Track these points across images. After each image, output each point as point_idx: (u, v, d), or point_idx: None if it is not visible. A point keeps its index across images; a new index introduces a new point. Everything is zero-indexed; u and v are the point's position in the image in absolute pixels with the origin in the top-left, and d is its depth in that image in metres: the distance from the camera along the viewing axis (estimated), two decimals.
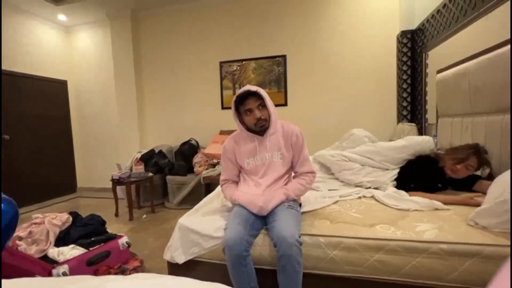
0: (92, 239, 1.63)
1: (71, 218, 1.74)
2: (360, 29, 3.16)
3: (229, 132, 3.22)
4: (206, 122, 3.73)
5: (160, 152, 3.48)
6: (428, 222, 1.11)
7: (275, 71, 3.48)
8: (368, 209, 1.33)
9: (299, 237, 1.05)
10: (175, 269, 1.25)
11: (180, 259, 1.23)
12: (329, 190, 1.68)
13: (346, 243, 1.05)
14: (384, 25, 3.08)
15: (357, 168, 1.76)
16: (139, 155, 3.45)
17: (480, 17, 1.82)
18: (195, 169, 3.27)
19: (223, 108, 3.68)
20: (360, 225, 1.13)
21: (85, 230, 1.67)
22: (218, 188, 1.42)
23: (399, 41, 2.98)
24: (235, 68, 3.61)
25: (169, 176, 3.30)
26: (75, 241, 1.60)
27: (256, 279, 1.08)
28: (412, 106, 2.96)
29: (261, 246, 1.14)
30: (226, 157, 1.34)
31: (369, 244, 1.03)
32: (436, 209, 1.24)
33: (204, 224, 1.23)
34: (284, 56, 3.42)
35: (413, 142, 1.72)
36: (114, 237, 1.72)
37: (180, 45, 3.76)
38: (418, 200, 1.31)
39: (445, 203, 1.28)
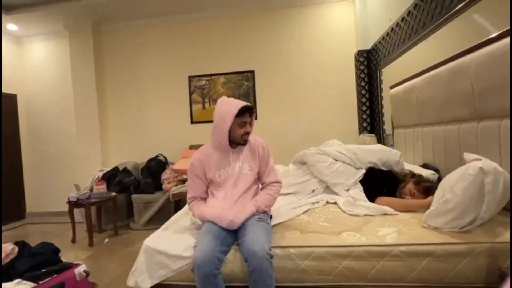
0: (43, 270, 1.45)
1: (16, 249, 1.53)
2: (322, 47, 3.39)
3: (198, 147, 3.16)
4: (175, 137, 3.63)
5: (125, 169, 3.28)
6: (389, 227, 1.18)
7: (244, 86, 3.55)
8: (335, 217, 1.38)
9: (270, 250, 1.05)
10: None
11: (146, 284, 1.15)
12: (299, 199, 1.72)
13: (316, 253, 1.07)
14: (343, 44, 3.35)
15: (330, 162, 1.83)
16: (100, 174, 3.22)
17: (421, 40, 2.08)
18: (163, 186, 3.13)
19: (192, 122, 3.62)
20: (329, 234, 1.16)
21: (33, 261, 1.48)
22: (187, 205, 1.37)
23: (356, 59, 3.24)
24: (204, 83, 3.61)
25: (134, 195, 3.11)
26: (22, 275, 1.41)
27: None
28: (371, 119, 3.20)
29: (232, 262, 1.11)
30: (193, 174, 1.31)
31: (338, 251, 1.06)
32: (386, 213, 1.32)
33: (172, 244, 1.17)
34: (252, 72, 3.52)
35: (382, 149, 1.87)
36: (69, 266, 1.54)
37: (147, 60, 3.69)
38: (369, 206, 1.41)
39: (415, 207, 1.37)
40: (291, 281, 1.09)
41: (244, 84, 3.55)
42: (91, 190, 3.03)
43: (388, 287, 1.04)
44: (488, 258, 0.98)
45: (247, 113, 1.26)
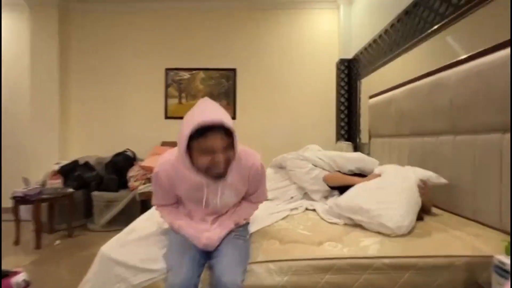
0: None
1: None
2: (306, 52, 3.39)
3: (172, 144, 2.96)
4: (146, 132, 3.38)
5: (86, 164, 2.97)
6: (370, 236, 1.14)
7: (225, 84, 3.42)
8: (315, 225, 1.32)
9: (242, 281, 0.90)
10: None
11: None
12: (276, 205, 1.64)
13: (297, 266, 0.99)
14: (326, 51, 3.38)
15: (309, 168, 1.78)
16: (57, 167, 2.87)
17: (402, 54, 2.13)
18: (129, 184, 2.88)
19: (166, 117, 3.41)
20: (309, 244, 1.09)
21: None
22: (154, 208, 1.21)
23: (338, 68, 3.29)
24: (182, 77, 3.42)
25: (95, 192, 2.81)
26: None
27: None
28: (348, 127, 3.25)
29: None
30: (159, 185, 1.03)
31: (320, 264, 0.99)
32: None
33: (134, 253, 1.01)
34: (234, 70, 3.41)
35: (362, 158, 1.84)
36: (5, 274, 1.31)
37: (120, 46, 3.40)
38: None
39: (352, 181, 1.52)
40: None
41: (224, 82, 3.42)
42: (44, 185, 2.68)
43: None
44: (466, 272, 0.98)
45: (216, 133, 0.88)
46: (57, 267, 1.94)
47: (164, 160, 1.03)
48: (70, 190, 2.61)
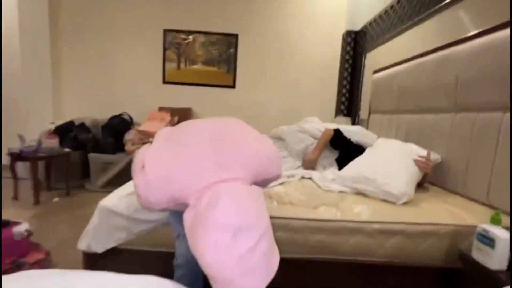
0: None
1: None
2: (311, 21, 3.24)
3: (169, 110, 2.92)
4: (143, 96, 3.30)
5: (82, 125, 2.93)
6: (363, 204, 1.18)
7: (226, 50, 3.29)
8: (312, 191, 1.36)
9: None
10: (92, 261, 1.04)
11: (100, 247, 1.03)
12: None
13: (293, 225, 1.04)
14: (333, 21, 3.23)
15: (308, 143, 1.84)
16: (52, 127, 2.83)
17: (411, 28, 2.04)
18: (126, 148, 2.88)
19: (164, 82, 3.31)
20: (306, 207, 1.13)
21: None
22: None
23: (344, 40, 3.17)
24: (181, 40, 3.26)
25: (92, 153, 2.81)
26: None
27: None
28: (349, 102, 3.22)
29: None
30: None
31: (314, 225, 1.04)
32: (359, 192, 1.33)
33: (134, 205, 1.04)
34: (236, 35, 3.26)
35: (361, 131, 1.86)
36: (6, 224, 1.34)
37: (114, 4, 3.17)
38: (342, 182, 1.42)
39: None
40: None
41: (226, 47, 3.29)
42: (40, 143, 2.66)
43: (356, 261, 1.05)
44: (450, 240, 1.04)
45: None
46: (57, 222, 2.00)
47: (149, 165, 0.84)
48: (67, 150, 2.60)
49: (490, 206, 1.21)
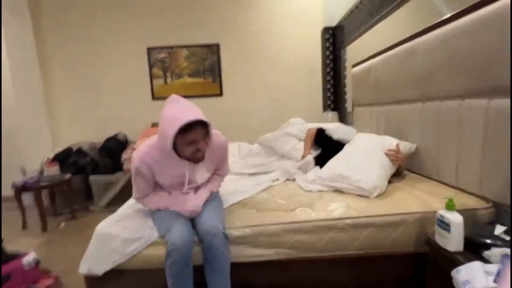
0: None
1: None
2: (289, 22, 3.30)
3: None
4: (135, 115, 3.41)
5: (80, 150, 3.05)
6: (338, 201, 1.26)
7: (209, 60, 3.37)
8: (292, 194, 1.44)
9: (224, 228, 1.08)
10: (94, 283, 1.14)
11: (99, 270, 1.12)
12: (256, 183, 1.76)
13: (269, 230, 1.12)
14: (310, 20, 3.28)
15: (294, 142, 1.96)
16: (52, 155, 2.95)
17: (384, 18, 2.10)
18: (124, 167, 2.98)
19: (154, 98, 3.41)
20: (283, 211, 1.22)
21: None
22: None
23: (322, 36, 3.22)
24: (165, 55, 3.36)
25: (92, 176, 2.93)
26: None
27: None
28: (335, 96, 3.28)
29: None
30: (138, 175, 1.13)
31: (289, 227, 1.12)
32: (337, 190, 1.41)
33: (125, 227, 1.14)
34: (217, 45, 3.34)
35: (341, 127, 1.96)
36: (16, 256, 1.45)
37: (98, 29, 3.28)
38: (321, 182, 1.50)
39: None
40: (246, 257, 1.14)
41: (209, 57, 3.37)
42: (41, 172, 2.78)
43: (334, 256, 1.13)
44: (418, 227, 1.11)
45: (197, 128, 1.01)
46: (64, 246, 2.11)
47: (141, 153, 1.10)
48: (68, 175, 2.72)
49: (459, 189, 1.28)
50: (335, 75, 3.23)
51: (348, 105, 3.01)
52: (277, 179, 1.71)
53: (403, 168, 1.59)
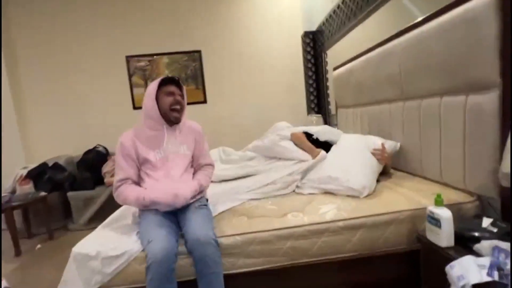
0: None
1: None
2: (269, 28, 3.34)
3: None
4: (116, 125, 3.23)
5: (56, 165, 2.87)
6: (329, 203, 1.25)
7: (191, 67, 3.33)
8: (283, 198, 1.41)
9: (215, 236, 1.03)
10: None
11: None
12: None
13: (261, 237, 1.08)
14: (290, 25, 3.34)
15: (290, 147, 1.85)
16: (25, 172, 2.76)
17: (360, 22, 2.16)
18: (105, 180, 2.85)
19: (135, 108, 3.30)
20: (274, 217, 1.19)
21: None
22: (114, 192, 1.23)
23: (303, 41, 3.28)
24: (144, 64, 3.27)
25: (71, 192, 2.76)
26: None
27: None
28: (318, 99, 3.33)
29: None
30: (124, 154, 1.18)
31: (281, 234, 1.09)
32: (326, 192, 1.39)
33: (105, 244, 1.07)
34: (199, 52, 3.30)
35: (326, 130, 1.93)
36: None
37: (74, 35, 3.14)
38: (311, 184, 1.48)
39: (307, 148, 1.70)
40: (239, 267, 1.10)
41: (191, 65, 3.32)
42: (13, 191, 2.60)
43: (327, 260, 1.11)
44: (409, 224, 1.12)
45: (174, 85, 1.23)
46: (40, 270, 1.96)
47: (124, 134, 1.24)
48: (43, 193, 2.54)
49: (444, 184, 1.31)
50: (317, 79, 3.28)
51: (332, 108, 3.05)
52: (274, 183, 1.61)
53: (389, 167, 1.61)
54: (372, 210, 1.15)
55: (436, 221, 0.94)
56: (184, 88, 1.28)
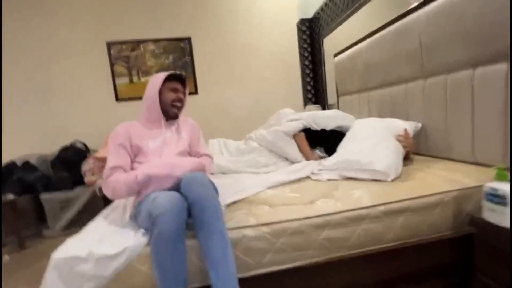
0: None
1: None
2: (263, 15, 3.16)
3: None
4: (96, 119, 2.95)
5: (26, 164, 2.51)
6: (360, 188, 1.10)
7: (180, 55, 3.08)
8: (301, 185, 1.25)
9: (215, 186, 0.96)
10: None
11: None
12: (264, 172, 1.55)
13: (292, 228, 0.90)
14: (285, 12, 3.18)
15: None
16: None
17: (365, 4, 2.05)
18: (86, 180, 2.52)
19: (118, 100, 3.00)
20: (301, 204, 1.02)
21: None
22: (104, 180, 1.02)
23: (299, 29, 3.15)
24: (129, 51, 2.98)
25: (45, 194, 2.42)
26: None
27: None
28: (315, 89, 3.21)
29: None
30: (117, 143, 1.09)
31: (315, 222, 0.92)
32: (347, 177, 1.26)
33: (100, 242, 0.84)
34: (188, 39, 3.07)
35: (339, 114, 1.78)
36: None
37: (45, 17, 2.78)
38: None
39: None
40: (265, 266, 0.91)
41: (179, 53, 3.07)
42: None
43: (369, 252, 0.96)
44: (455, 206, 0.99)
45: (179, 82, 1.23)
46: (11, 282, 1.64)
47: (120, 124, 1.16)
48: (11, 197, 2.20)
49: (478, 164, 1.21)
50: (314, 67, 3.16)
51: (330, 97, 2.94)
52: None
53: (410, 152, 1.50)
54: (413, 192, 1.01)
55: (500, 199, 0.81)
56: (187, 86, 1.27)
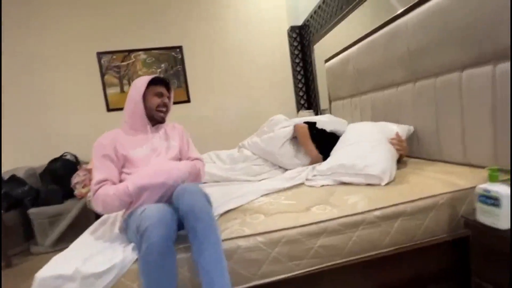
0: None
1: None
2: (254, 24, 3.20)
3: None
4: (87, 130, 2.89)
5: (13, 178, 2.44)
6: (355, 193, 1.09)
7: (172, 64, 3.07)
8: (296, 192, 1.23)
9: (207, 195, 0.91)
10: None
11: None
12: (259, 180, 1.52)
13: (287, 236, 0.88)
14: (275, 20, 3.22)
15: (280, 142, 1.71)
16: None
17: (354, 10, 2.09)
18: (76, 192, 2.45)
19: (109, 110, 2.96)
20: (296, 212, 1.00)
21: None
22: (91, 196, 0.99)
23: (289, 36, 3.19)
24: (120, 61, 2.96)
25: (33, 209, 2.34)
26: None
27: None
28: (307, 95, 3.23)
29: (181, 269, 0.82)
30: (102, 155, 1.03)
31: (311, 230, 0.90)
32: (343, 182, 1.25)
33: (87, 259, 0.80)
34: (180, 47, 3.07)
35: (333, 119, 1.79)
36: None
37: (32, 25, 2.75)
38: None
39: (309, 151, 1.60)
40: (259, 278, 0.88)
41: (171, 62, 3.07)
42: None
43: (365, 259, 0.94)
44: (449, 209, 0.99)
45: (163, 86, 1.18)
46: None
47: (102, 136, 1.10)
48: None
49: (470, 165, 1.21)
50: (306, 74, 3.19)
51: (323, 102, 2.96)
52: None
53: (404, 156, 1.50)
54: (408, 195, 1.00)
55: (493, 200, 0.81)
56: (172, 91, 1.23)
